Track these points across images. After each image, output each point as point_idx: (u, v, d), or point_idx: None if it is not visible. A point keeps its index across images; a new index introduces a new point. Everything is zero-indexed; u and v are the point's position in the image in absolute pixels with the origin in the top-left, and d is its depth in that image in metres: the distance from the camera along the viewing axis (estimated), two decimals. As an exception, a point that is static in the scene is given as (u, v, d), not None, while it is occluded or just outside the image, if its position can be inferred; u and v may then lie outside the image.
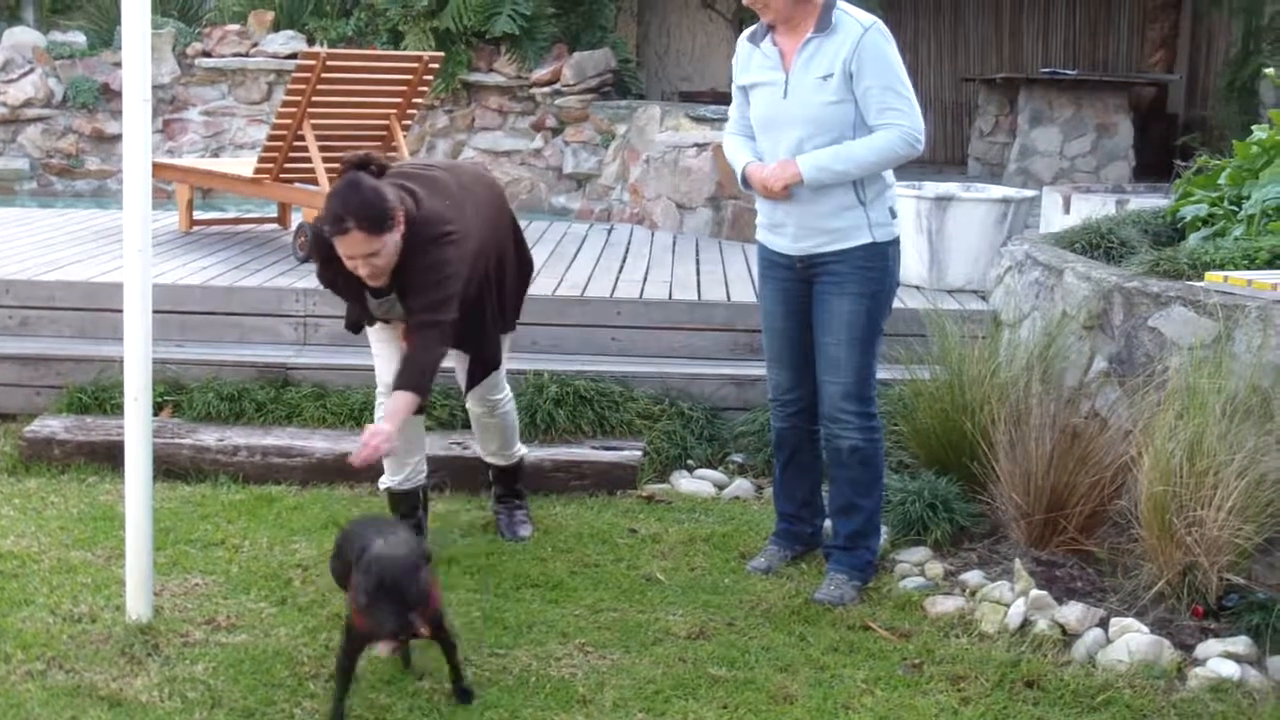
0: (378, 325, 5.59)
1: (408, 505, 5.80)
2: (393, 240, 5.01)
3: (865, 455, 5.45)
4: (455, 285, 5.17)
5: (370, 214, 4.94)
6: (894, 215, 5.40)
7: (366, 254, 4.99)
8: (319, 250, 5.28)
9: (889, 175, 5.40)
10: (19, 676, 4.57)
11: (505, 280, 5.67)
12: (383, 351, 5.66)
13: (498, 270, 5.58)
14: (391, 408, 5.06)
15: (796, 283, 5.48)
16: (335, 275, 5.30)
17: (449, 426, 6.91)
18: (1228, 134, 11.44)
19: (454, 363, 5.74)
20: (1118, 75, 15.07)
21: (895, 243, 5.41)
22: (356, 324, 5.66)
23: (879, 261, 5.35)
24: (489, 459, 6.07)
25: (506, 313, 5.75)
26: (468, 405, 5.89)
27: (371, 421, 6.95)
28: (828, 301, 5.39)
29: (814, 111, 5.25)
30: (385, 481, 5.84)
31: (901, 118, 5.19)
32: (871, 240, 5.32)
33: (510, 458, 6.06)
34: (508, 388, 5.93)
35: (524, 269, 5.87)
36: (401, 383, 5.08)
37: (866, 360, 5.40)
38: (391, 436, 4.95)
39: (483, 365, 5.69)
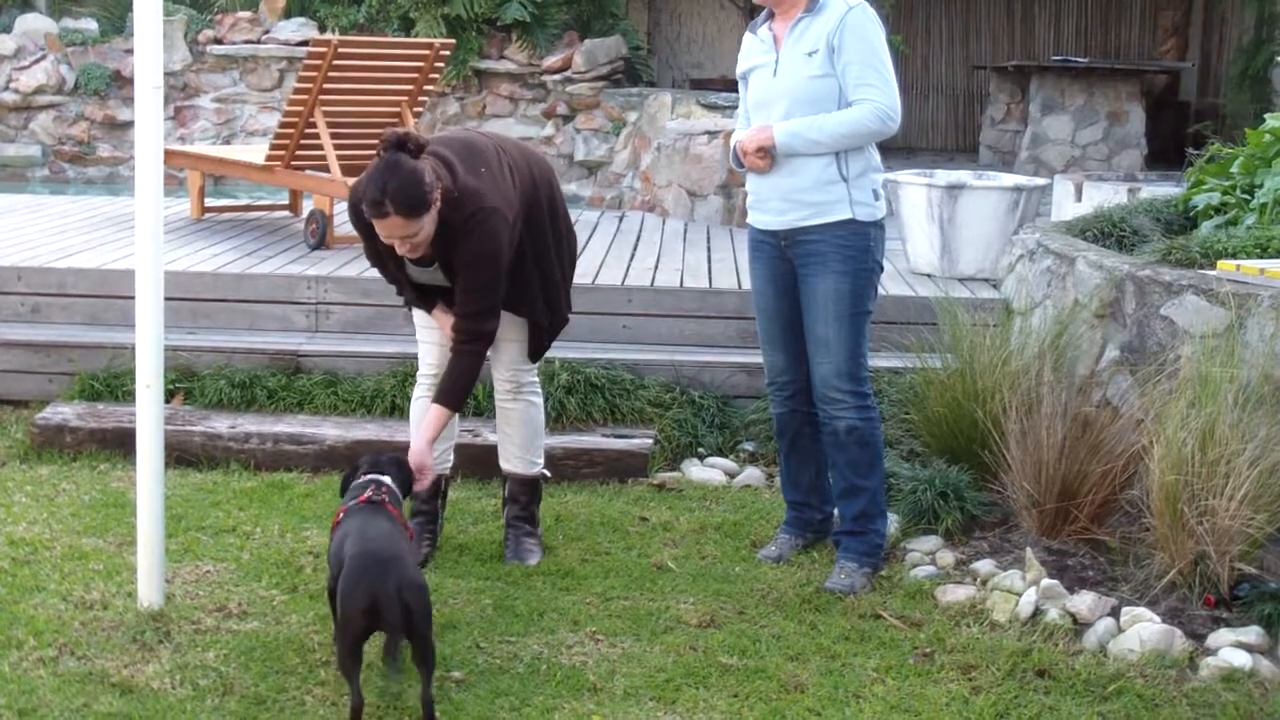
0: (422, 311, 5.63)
1: (429, 490, 5.74)
2: (430, 218, 5.08)
3: (862, 435, 5.46)
4: (497, 288, 5.28)
5: (409, 198, 4.98)
6: (877, 197, 5.43)
7: (405, 235, 5.07)
8: (359, 228, 5.36)
9: (874, 158, 5.44)
10: (31, 663, 4.58)
11: (549, 250, 5.63)
12: (427, 337, 5.68)
13: (538, 239, 5.56)
14: (428, 420, 5.33)
15: (783, 262, 5.52)
16: (376, 251, 5.42)
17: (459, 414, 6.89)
18: (1240, 122, 11.43)
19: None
20: (1130, 63, 15.03)
21: (878, 225, 5.45)
22: (410, 304, 5.75)
23: (859, 240, 5.38)
24: (507, 465, 5.81)
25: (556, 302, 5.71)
26: (496, 391, 5.77)
27: (385, 407, 6.95)
28: (810, 282, 5.43)
29: (800, 85, 5.35)
30: None
31: (876, 94, 5.27)
32: (851, 216, 5.35)
33: (530, 465, 5.79)
34: (538, 381, 5.82)
35: (569, 253, 5.84)
36: (441, 398, 5.33)
37: (855, 339, 5.42)
38: (427, 452, 5.27)
39: (535, 328, 5.67)
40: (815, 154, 5.33)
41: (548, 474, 5.98)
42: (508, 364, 5.70)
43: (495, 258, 5.22)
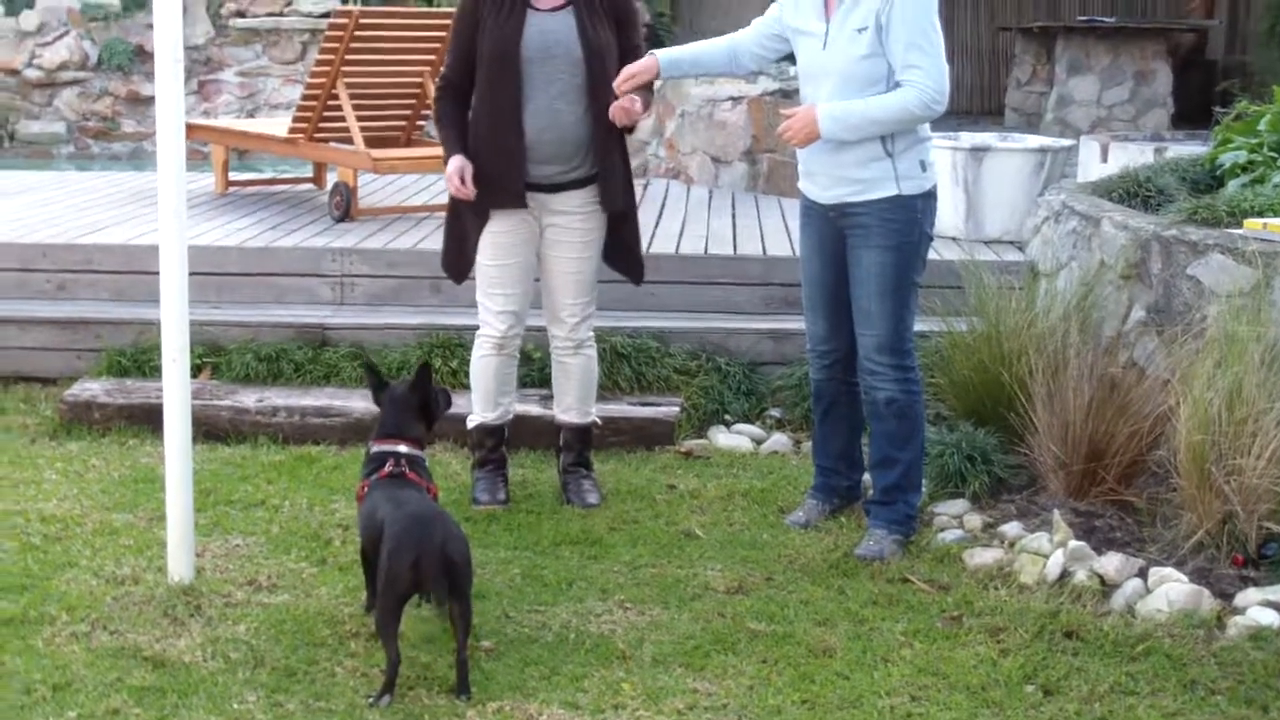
0: (491, 245, 5.73)
1: (495, 440, 5.97)
2: None
3: (901, 407, 5.44)
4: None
5: None
6: (924, 169, 5.37)
7: None
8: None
9: (923, 128, 5.38)
10: (64, 638, 4.61)
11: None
12: (500, 278, 5.78)
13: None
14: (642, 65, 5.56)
15: (832, 231, 5.48)
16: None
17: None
18: (1268, 79, 11.34)
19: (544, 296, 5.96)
20: (1156, 22, 14.90)
21: (926, 196, 5.39)
22: (459, 266, 5.86)
23: (905, 214, 5.33)
24: (563, 416, 6.04)
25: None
26: (555, 347, 5.96)
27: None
28: (857, 254, 5.40)
29: (848, 65, 5.26)
30: (476, 418, 5.95)
31: (924, 77, 5.18)
32: (898, 193, 5.31)
33: (586, 415, 6.03)
34: (593, 335, 6.03)
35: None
36: (642, 96, 5.58)
37: (899, 313, 5.38)
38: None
39: (630, 253, 5.98)
40: (859, 140, 5.29)
41: (599, 422, 6.17)
42: (570, 326, 5.89)
43: None
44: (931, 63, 5.20)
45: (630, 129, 5.72)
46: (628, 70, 5.55)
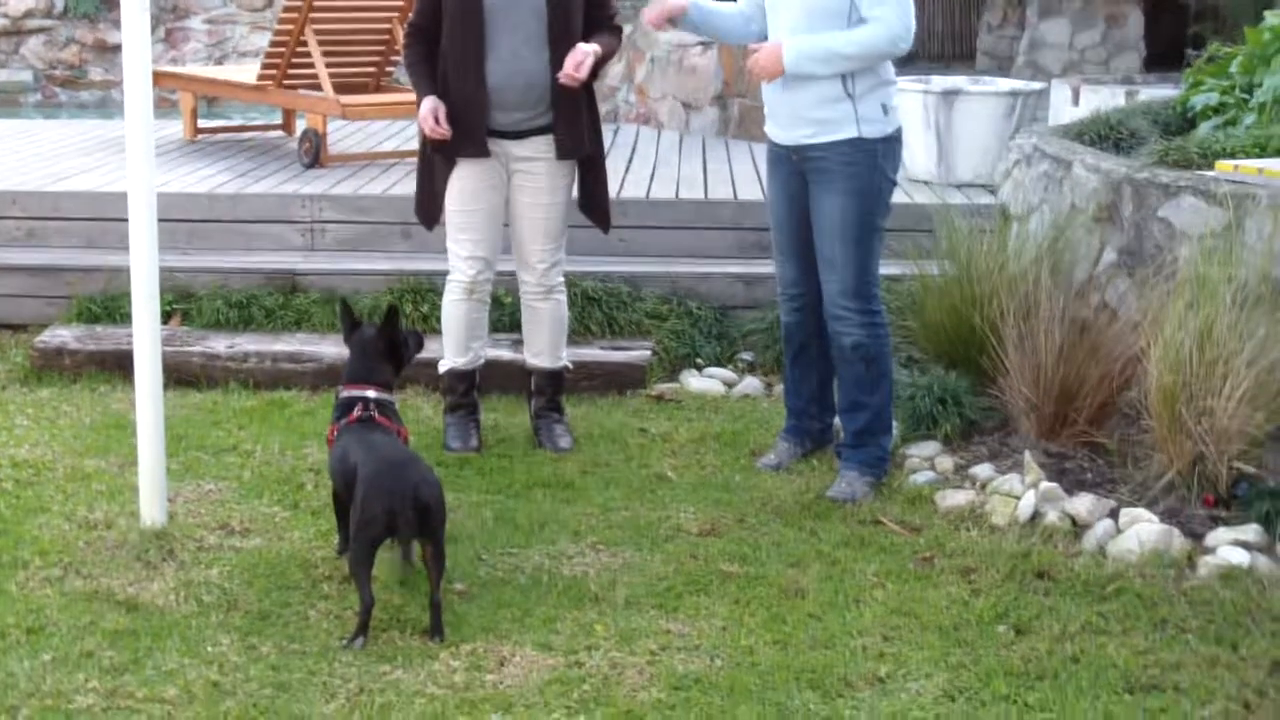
0: (457, 191, 5.74)
1: (466, 384, 5.99)
2: None
3: (869, 352, 5.45)
4: None
5: None
6: (886, 112, 5.36)
7: None
8: None
9: (886, 72, 5.38)
10: (37, 583, 4.60)
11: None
12: (467, 224, 5.78)
13: None
14: (599, 45, 5.67)
15: (796, 175, 5.48)
16: None
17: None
18: (1241, 22, 11.32)
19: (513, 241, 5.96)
20: (1127, -35, 14.88)
21: (888, 140, 5.38)
22: (430, 212, 5.88)
23: (866, 158, 5.33)
24: (534, 360, 6.07)
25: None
26: (524, 291, 5.98)
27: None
28: (819, 200, 5.40)
29: None
30: (447, 363, 5.97)
31: (889, 12, 5.18)
32: (858, 134, 5.30)
33: (557, 360, 6.05)
34: (564, 280, 6.04)
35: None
36: (603, 45, 5.69)
37: (863, 258, 5.39)
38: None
39: (597, 202, 5.99)
40: (824, 75, 5.28)
41: (570, 366, 6.18)
42: (539, 271, 5.89)
43: None
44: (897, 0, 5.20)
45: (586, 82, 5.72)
46: (656, 3, 5.63)
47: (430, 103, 5.60)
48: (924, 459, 5.70)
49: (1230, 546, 4.76)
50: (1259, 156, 6.00)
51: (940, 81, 8.55)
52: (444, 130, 5.57)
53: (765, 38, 5.46)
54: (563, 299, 6.02)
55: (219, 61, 14.85)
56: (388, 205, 7.64)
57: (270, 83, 9.18)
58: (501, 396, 6.41)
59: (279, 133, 10.10)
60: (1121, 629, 4.37)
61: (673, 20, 5.58)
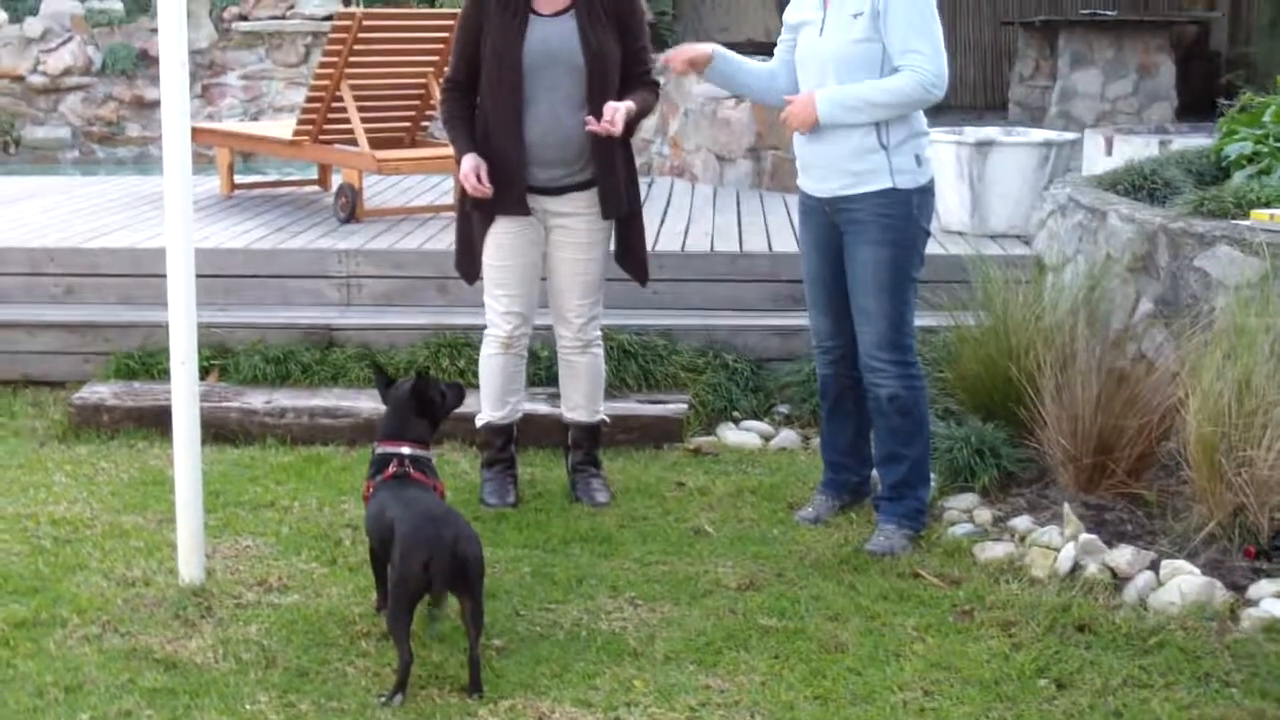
0: (495, 246, 5.75)
1: (503, 439, 5.98)
2: None
3: (904, 404, 5.43)
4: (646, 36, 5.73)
5: None
6: (920, 163, 5.36)
7: None
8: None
9: (919, 123, 5.38)
10: (75, 640, 4.61)
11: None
12: (505, 280, 5.79)
13: None
14: (633, 101, 5.64)
15: (829, 227, 5.48)
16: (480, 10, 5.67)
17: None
18: (1272, 70, 11.31)
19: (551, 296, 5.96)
20: (1159, 14, 14.89)
21: (922, 191, 5.38)
22: (470, 267, 5.90)
23: (900, 209, 5.33)
24: (571, 414, 6.05)
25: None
26: (561, 346, 5.98)
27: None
28: (853, 252, 5.39)
29: (843, 49, 5.27)
30: (484, 418, 5.97)
31: (923, 61, 5.18)
32: (892, 185, 5.30)
33: (593, 414, 6.04)
34: (600, 334, 6.04)
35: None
36: (638, 101, 5.66)
37: (898, 308, 5.38)
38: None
39: (635, 255, 6.01)
40: (857, 124, 5.29)
41: (607, 420, 6.16)
42: (577, 325, 5.90)
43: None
44: (930, 46, 5.21)
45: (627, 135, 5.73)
46: (683, 48, 5.67)
47: (471, 160, 5.61)
48: (962, 511, 5.67)
49: (1273, 599, 4.71)
50: (1295, 206, 5.98)
51: (974, 132, 8.55)
52: (486, 189, 5.59)
53: (792, 94, 5.47)
54: (600, 353, 6.02)
55: (255, 117, 14.96)
56: (424, 260, 7.67)
57: (306, 138, 9.25)
58: (538, 450, 6.42)
59: (315, 188, 10.17)
60: (1164, 683, 4.33)
61: (697, 68, 5.60)
